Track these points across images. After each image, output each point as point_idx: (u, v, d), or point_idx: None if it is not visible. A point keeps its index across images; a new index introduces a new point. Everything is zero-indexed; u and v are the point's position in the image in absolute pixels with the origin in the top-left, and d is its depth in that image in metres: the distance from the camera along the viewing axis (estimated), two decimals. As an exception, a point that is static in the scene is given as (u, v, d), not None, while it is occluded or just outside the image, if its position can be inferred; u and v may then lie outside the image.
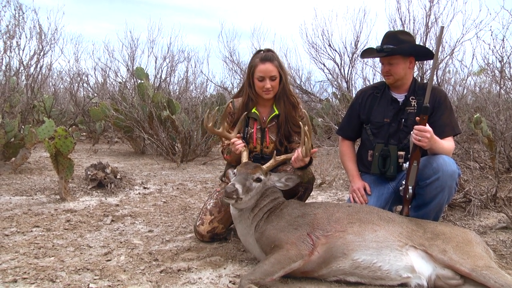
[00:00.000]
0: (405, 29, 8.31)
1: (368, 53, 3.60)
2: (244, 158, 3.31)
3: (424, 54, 3.59)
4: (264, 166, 3.16)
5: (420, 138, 3.04)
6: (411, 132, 3.12)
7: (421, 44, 8.02)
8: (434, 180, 3.11)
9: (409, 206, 3.26)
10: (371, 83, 9.56)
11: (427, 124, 3.07)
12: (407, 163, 3.21)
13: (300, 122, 3.11)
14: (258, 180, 3.04)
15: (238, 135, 3.43)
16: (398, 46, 3.33)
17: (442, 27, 3.32)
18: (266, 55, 3.54)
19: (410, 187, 3.19)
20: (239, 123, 3.47)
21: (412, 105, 3.44)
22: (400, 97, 3.50)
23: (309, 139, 3.05)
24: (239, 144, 3.36)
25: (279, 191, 3.18)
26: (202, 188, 5.97)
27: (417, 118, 3.11)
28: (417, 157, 3.14)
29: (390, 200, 3.48)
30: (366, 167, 3.61)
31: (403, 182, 3.25)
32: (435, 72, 7.21)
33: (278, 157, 3.24)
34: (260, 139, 3.61)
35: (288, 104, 3.60)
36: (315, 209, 2.98)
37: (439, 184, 3.10)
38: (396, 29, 8.26)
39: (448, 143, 3.27)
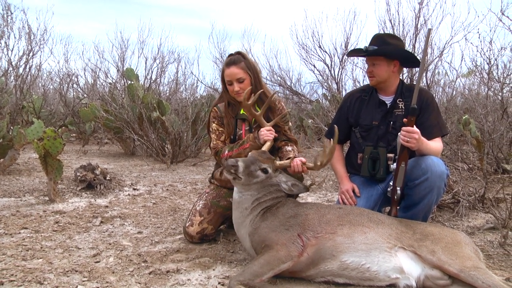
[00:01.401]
0: (395, 31, 8.36)
1: (354, 52, 3.67)
2: (265, 148, 3.28)
3: (409, 59, 3.56)
4: (278, 163, 3.14)
5: (408, 139, 3.05)
6: (399, 134, 3.13)
7: (411, 46, 8.08)
8: (423, 181, 3.12)
9: (398, 207, 3.27)
10: (361, 84, 9.61)
11: (414, 126, 3.09)
12: (395, 164, 3.23)
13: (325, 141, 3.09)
14: (265, 171, 3.03)
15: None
16: (380, 47, 3.35)
17: (430, 29, 3.35)
18: (231, 59, 3.56)
19: (398, 188, 3.21)
20: (279, 117, 3.49)
21: (400, 107, 3.45)
22: (387, 99, 3.51)
23: (325, 155, 3.05)
24: (272, 135, 3.37)
25: (283, 192, 3.16)
26: (192, 189, 5.96)
27: (405, 119, 3.12)
28: (405, 158, 3.15)
29: (379, 201, 3.49)
30: (355, 170, 3.62)
31: (391, 183, 3.26)
32: (424, 74, 7.26)
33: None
34: (249, 139, 3.60)
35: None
36: (307, 209, 2.99)
37: (428, 185, 3.12)
38: (385, 32, 8.31)
39: (436, 144, 3.29)
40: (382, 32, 8.72)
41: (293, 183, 3.14)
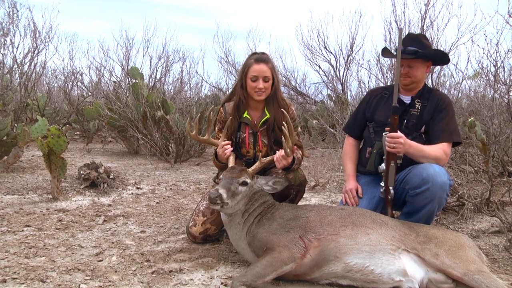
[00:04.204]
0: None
1: (387, 52, 3.69)
2: (231, 163, 3.32)
3: (442, 59, 3.69)
4: (250, 169, 3.15)
5: (394, 145, 3.10)
6: (384, 140, 3.16)
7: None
8: (423, 191, 3.10)
9: (392, 206, 3.27)
10: (366, 85, 9.60)
11: (399, 131, 3.14)
12: (400, 163, 3.23)
13: (283, 122, 3.10)
14: (244, 183, 3.03)
15: (226, 141, 3.43)
16: (424, 51, 3.36)
17: (401, 29, 3.37)
18: (261, 56, 3.54)
19: (391, 188, 3.22)
20: (225, 128, 3.47)
21: (416, 107, 3.46)
22: (406, 99, 3.52)
23: (288, 139, 3.04)
24: (228, 149, 3.37)
25: (269, 194, 3.17)
26: (196, 189, 5.95)
27: (389, 119, 3.14)
28: (393, 158, 3.19)
29: (381, 203, 3.46)
30: (363, 165, 3.62)
31: (382, 184, 3.27)
32: (429, 75, 7.23)
33: (264, 159, 3.24)
34: (253, 143, 3.59)
35: (277, 107, 3.56)
36: (307, 211, 2.97)
37: (429, 195, 3.09)
38: (392, 33, 8.30)
39: (434, 148, 3.26)
40: (388, 33, 8.73)
41: (274, 181, 3.17)
